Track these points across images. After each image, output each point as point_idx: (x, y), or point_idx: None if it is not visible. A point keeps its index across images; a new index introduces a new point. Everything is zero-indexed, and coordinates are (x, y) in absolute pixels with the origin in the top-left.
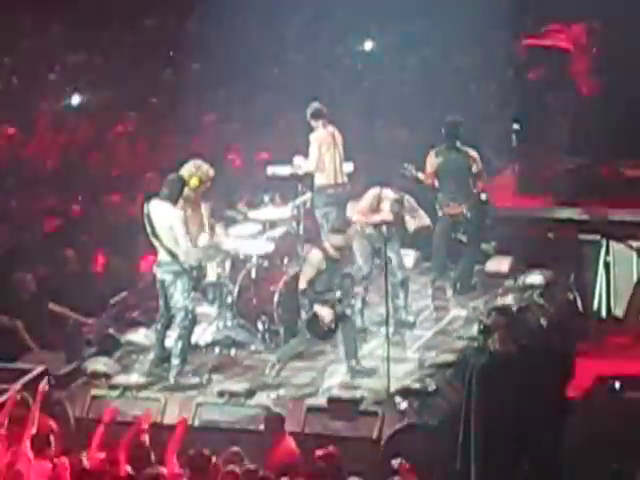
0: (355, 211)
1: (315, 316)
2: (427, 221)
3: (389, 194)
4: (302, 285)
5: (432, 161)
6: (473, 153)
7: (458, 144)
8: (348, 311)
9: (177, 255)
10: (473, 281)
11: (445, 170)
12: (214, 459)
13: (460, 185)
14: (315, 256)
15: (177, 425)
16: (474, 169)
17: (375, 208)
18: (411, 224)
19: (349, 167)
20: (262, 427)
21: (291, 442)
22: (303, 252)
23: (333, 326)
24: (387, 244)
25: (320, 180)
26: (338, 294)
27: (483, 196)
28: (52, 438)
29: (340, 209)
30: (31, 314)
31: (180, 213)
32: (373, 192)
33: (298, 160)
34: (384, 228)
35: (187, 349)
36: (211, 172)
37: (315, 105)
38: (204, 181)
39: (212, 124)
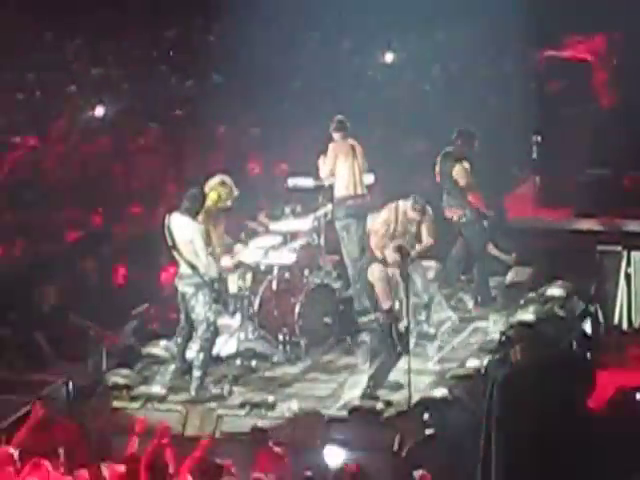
0: (373, 231)
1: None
2: (431, 240)
3: (409, 206)
4: (387, 304)
5: (438, 159)
6: (463, 165)
7: (454, 152)
8: None
9: (198, 268)
10: (493, 293)
11: (441, 172)
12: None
13: (453, 193)
14: (375, 270)
15: (200, 443)
16: (460, 182)
17: (393, 229)
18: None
19: (370, 179)
20: (283, 437)
21: (276, 456)
22: (324, 263)
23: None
24: (410, 263)
25: (339, 192)
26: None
27: (481, 208)
28: (61, 451)
29: (360, 220)
30: (52, 326)
31: (200, 227)
32: (389, 207)
33: (296, 181)
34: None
35: (209, 361)
36: (235, 191)
37: (339, 118)
38: (223, 198)
39: (233, 136)
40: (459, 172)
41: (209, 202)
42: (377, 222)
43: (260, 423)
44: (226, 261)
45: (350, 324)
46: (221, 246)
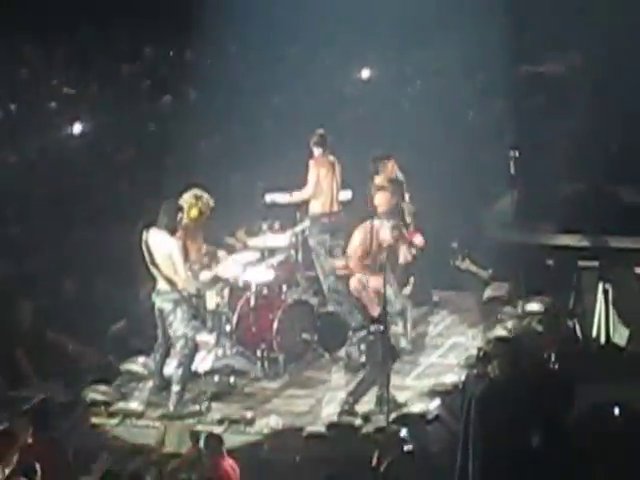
0: (350, 255)
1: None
2: (420, 242)
3: (384, 223)
4: (376, 311)
5: None
6: (385, 193)
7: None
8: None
9: (176, 283)
10: (470, 307)
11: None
12: None
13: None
14: (356, 280)
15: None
16: (380, 209)
17: (369, 248)
18: (402, 244)
19: (347, 195)
20: (262, 453)
21: (229, 465)
22: (301, 279)
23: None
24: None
25: (315, 208)
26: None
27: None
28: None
29: (334, 237)
30: (30, 343)
31: (178, 242)
32: (364, 226)
33: (274, 197)
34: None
35: (188, 377)
36: (211, 202)
37: (319, 132)
38: (204, 212)
39: (211, 152)
40: (379, 199)
41: (190, 219)
42: (353, 245)
43: (239, 439)
44: (204, 275)
45: (327, 340)
46: (199, 261)
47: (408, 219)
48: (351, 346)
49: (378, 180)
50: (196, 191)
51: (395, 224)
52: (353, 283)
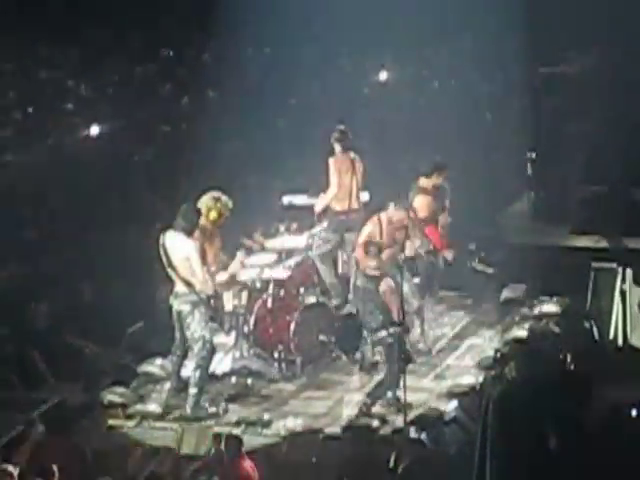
0: (357, 247)
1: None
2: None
3: (389, 210)
4: (400, 316)
5: None
6: (427, 198)
7: (421, 179)
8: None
9: (194, 285)
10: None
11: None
12: None
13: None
14: (388, 283)
15: None
16: (420, 214)
17: (379, 235)
18: (416, 243)
19: (365, 196)
20: (279, 455)
21: (249, 466)
22: (318, 281)
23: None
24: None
25: (335, 205)
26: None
27: (436, 244)
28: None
29: (353, 234)
30: (47, 345)
31: (195, 244)
32: (372, 221)
33: (291, 198)
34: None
35: (205, 379)
36: (230, 204)
37: (340, 128)
38: (223, 214)
39: (229, 153)
40: (420, 203)
41: (209, 220)
42: (361, 237)
43: (256, 441)
44: (221, 276)
45: (345, 341)
46: (217, 263)
47: (441, 230)
48: (365, 346)
49: (423, 182)
50: (214, 193)
51: (404, 208)
52: (384, 285)
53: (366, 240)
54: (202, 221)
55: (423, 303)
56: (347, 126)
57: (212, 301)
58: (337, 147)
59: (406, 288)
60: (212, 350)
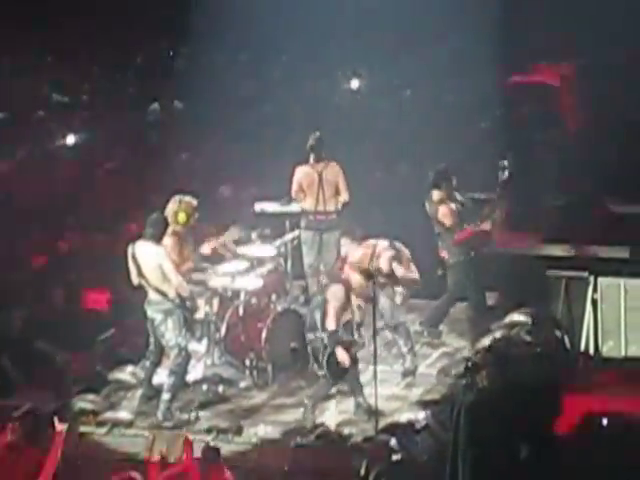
0: (348, 262)
1: (334, 357)
2: (415, 276)
3: (386, 250)
4: (332, 326)
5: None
6: (449, 206)
7: (435, 192)
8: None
9: (166, 293)
10: (440, 326)
11: (430, 217)
12: None
13: (440, 234)
14: (338, 291)
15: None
16: (447, 223)
17: (367, 265)
18: (399, 272)
19: (345, 197)
20: (250, 463)
21: (228, 475)
22: (290, 288)
23: (348, 366)
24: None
25: (306, 206)
26: (356, 336)
27: (465, 249)
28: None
29: (322, 235)
30: (18, 351)
31: (164, 250)
32: (368, 245)
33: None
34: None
35: (179, 385)
36: (194, 202)
37: (314, 136)
38: (190, 213)
39: (201, 161)
40: (444, 214)
41: (179, 224)
42: (356, 254)
43: (227, 448)
44: (207, 247)
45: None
46: (191, 265)
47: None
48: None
49: (437, 195)
50: (177, 196)
51: (394, 255)
52: (335, 290)
53: (357, 260)
54: (173, 227)
55: (399, 322)
56: (321, 133)
57: (188, 302)
58: (312, 155)
59: (386, 305)
60: (187, 357)
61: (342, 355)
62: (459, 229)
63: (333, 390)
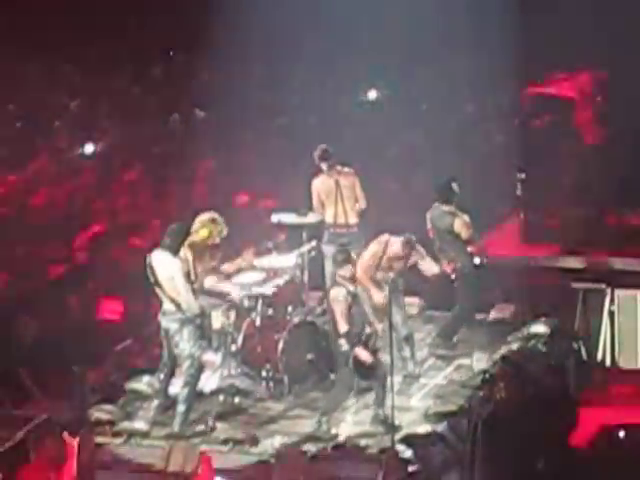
0: (359, 265)
1: (356, 359)
2: (436, 269)
3: (398, 238)
4: (344, 328)
5: (429, 216)
6: (463, 218)
7: (445, 206)
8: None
9: (180, 304)
10: (455, 338)
11: (436, 228)
12: None
13: (450, 245)
14: (340, 293)
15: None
16: (463, 235)
17: (379, 262)
18: (415, 257)
19: (362, 205)
20: (267, 474)
21: None
22: (307, 300)
23: (374, 363)
24: (392, 296)
25: (327, 219)
26: (368, 330)
27: (476, 260)
28: None
29: (341, 248)
30: (35, 362)
31: (181, 263)
32: (380, 241)
33: (280, 216)
34: (390, 276)
35: (193, 396)
36: (225, 231)
37: (322, 147)
38: (213, 235)
39: (218, 172)
40: (460, 226)
41: (197, 238)
42: (366, 254)
43: (244, 459)
44: (210, 281)
45: (332, 360)
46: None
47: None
48: None
49: (449, 208)
50: (215, 215)
51: (408, 239)
52: (336, 294)
53: (369, 257)
54: (192, 238)
55: (412, 330)
56: (332, 145)
57: (198, 319)
58: (323, 165)
59: (398, 316)
60: (200, 368)
61: (363, 353)
62: (473, 240)
63: (349, 402)
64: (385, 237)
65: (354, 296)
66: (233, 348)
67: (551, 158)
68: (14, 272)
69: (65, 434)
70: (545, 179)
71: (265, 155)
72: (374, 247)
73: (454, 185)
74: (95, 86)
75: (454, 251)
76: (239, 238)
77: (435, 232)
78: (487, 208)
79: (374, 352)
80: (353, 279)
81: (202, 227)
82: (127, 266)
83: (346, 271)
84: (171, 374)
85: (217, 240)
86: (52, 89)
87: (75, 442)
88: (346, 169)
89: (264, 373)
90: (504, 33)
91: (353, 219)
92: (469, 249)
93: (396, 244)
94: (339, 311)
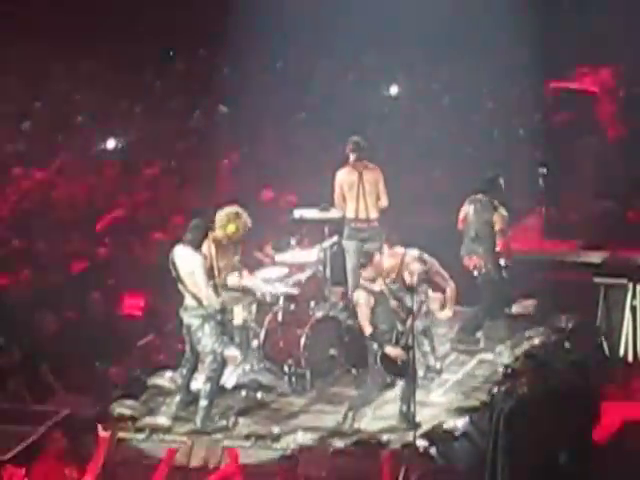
0: (377, 269)
1: (387, 357)
2: (452, 285)
3: (414, 262)
4: (368, 330)
5: (464, 208)
6: (501, 212)
7: (486, 198)
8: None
9: (201, 300)
10: (478, 334)
11: (475, 218)
12: None
13: (485, 237)
14: (361, 296)
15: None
16: (497, 226)
17: (396, 274)
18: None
19: (384, 202)
20: (289, 469)
21: None
22: (329, 295)
23: (406, 360)
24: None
25: (347, 214)
26: (400, 327)
27: (501, 261)
28: None
29: (361, 243)
30: (57, 357)
31: (202, 259)
32: (396, 254)
33: (302, 212)
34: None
35: (216, 392)
36: (249, 223)
37: (354, 139)
38: (240, 230)
39: (240, 167)
40: (499, 220)
41: (224, 233)
42: (382, 264)
43: (266, 454)
44: (233, 279)
45: (354, 355)
46: (230, 272)
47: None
48: None
49: (493, 201)
50: (238, 209)
51: (426, 269)
52: (358, 296)
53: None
54: (217, 233)
55: (428, 323)
56: (361, 138)
57: (219, 315)
58: (351, 156)
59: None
60: (222, 363)
61: (393, 351)
62: (504, 234)
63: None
64: (400, 251)
65: (380, 294)
66: (255, 343)
67: (573, 153)
68: (37, 267)
69: (99, 427)
70: (567, 174)
71: (287, 150)
72: (391, 261)
73: (501, 180)
74: (118, 82)
75: (486, 244)
76: (260, 234)
77: (473, 223)
78: (508, 203)
79: (406, 349)
80: (375, 280)
81: (229, 222)
82: (149, 261)
83: (369, 272)
84: (193, 370)
85: (243, 233)
86: (75, 85)
87: (105, 436)
88: (371, 165)
89: (286, 368)
90: (526, 27)
91: (374, 214)
92: (497, 249)
93: (411, 269)
94: (362, 314)
